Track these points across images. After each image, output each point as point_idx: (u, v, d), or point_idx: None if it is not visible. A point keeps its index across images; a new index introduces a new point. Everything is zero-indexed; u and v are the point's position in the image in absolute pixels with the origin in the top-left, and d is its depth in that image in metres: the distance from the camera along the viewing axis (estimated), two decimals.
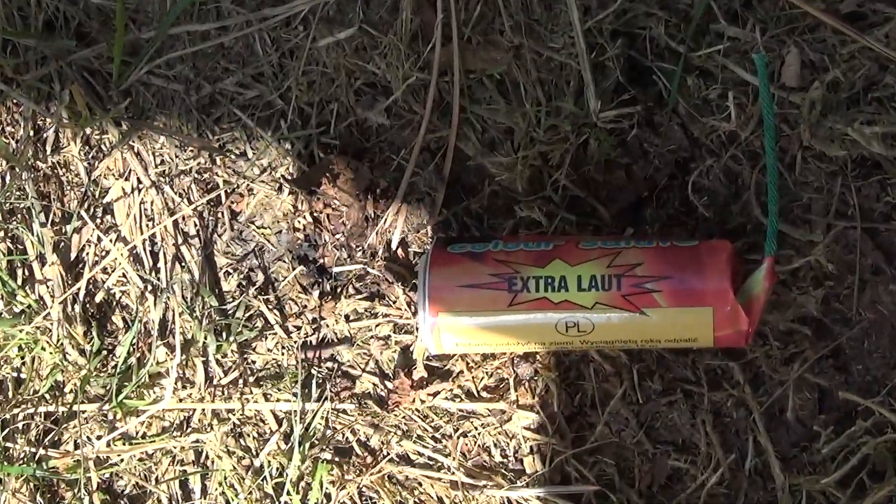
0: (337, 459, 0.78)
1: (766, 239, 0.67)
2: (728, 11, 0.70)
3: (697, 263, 0.66)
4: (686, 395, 0.74)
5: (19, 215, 0.82)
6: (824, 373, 0.72)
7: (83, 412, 0.81)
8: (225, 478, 0.79)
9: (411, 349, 0.78)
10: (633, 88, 0.72)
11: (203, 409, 0.80)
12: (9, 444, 0.81)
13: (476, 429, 0.76)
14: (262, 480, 0.78)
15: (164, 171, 0.81)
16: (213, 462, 0.81)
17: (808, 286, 0.72)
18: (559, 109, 0.73)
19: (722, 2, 0.69)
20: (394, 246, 0.78)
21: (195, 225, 0.81)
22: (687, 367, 0.74)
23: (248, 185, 0.80)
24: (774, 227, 0.67)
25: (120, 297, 0.82)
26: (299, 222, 0.79)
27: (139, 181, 0.81)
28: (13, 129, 0.82)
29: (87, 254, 0.81)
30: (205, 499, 0.80)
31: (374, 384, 0.80)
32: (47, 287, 0.82)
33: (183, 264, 0.81)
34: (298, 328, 0.81)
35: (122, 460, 0.81)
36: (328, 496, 0.77)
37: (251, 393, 0.80)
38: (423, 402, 0.77)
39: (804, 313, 0.72)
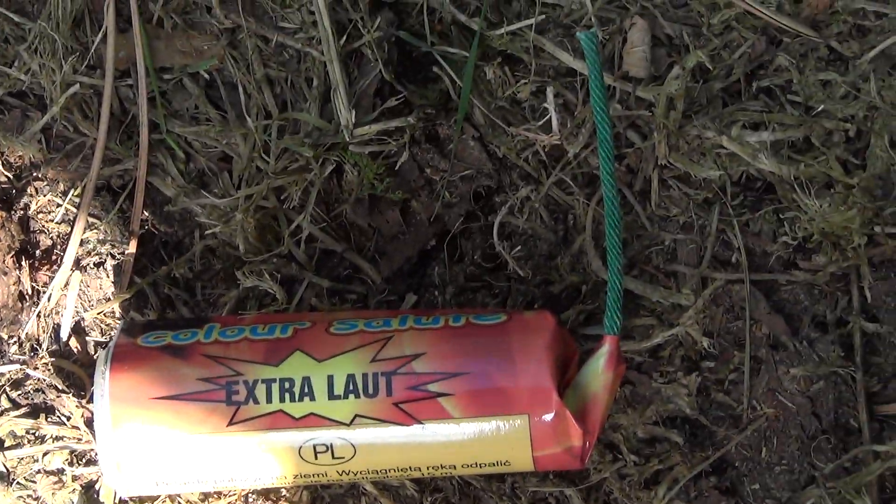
0: None
1: (606, 306, 0.64)
2: None
3: (505, 350, 0.62)
4: None
5: None
6: (704, 498, 0.68)
7: None
8: None
9: (97, 488, 0.72)
10: (404, 88, 0.71)
11: None
12: None
13: None
14: None
15: None
16: None
17: (675, 371, 0.69)
18: (297, 124, 0.72)
19: None
20: (64, 334, 0.73)
21: None
22: (504, 498, 0.70)
23: None
24: (619, 288, 0.64)
25: None
26: None
27: None
28: None
29: None
30: None
31: None
32: None
33: None
34: None
35: None
36: None
37: None
38: None
39: (672, 411, 0.69)
